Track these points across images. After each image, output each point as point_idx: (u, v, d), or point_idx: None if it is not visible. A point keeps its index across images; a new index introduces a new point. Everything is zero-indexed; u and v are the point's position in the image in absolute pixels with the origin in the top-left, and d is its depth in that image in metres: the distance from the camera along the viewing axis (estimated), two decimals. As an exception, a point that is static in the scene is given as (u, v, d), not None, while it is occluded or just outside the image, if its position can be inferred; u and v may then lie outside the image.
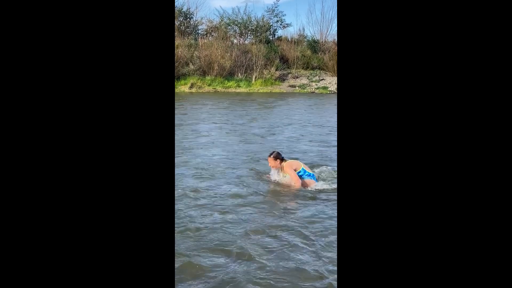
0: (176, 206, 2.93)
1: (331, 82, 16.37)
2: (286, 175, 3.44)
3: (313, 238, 2.51)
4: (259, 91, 15.47)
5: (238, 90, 15.60)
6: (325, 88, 15.88)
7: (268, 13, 18.27)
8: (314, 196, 3.30)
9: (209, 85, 15.69)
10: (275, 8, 18.52)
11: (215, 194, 3.35)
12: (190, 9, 17.95)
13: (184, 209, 2.97)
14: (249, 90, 15.71)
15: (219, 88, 15.59)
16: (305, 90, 15.63)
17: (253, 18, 18.17)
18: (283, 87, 16.13)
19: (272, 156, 3.47)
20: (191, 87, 15.35)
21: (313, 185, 3.41)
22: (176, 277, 1.99)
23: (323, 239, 2.51)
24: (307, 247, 2.40)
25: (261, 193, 3.40)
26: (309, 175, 3.52)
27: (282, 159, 3.47)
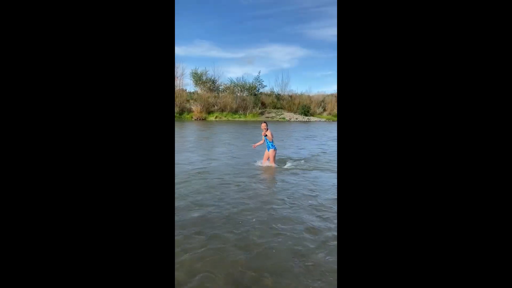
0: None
1: (287, 115, 28.79)
2: (265, 136, 5.82)
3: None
4: (250, 120, 25.58)
5: (240, 119, 25.79)
6: (284, 118, 28.16)
7: (255, 80, 29.49)
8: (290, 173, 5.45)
9: (225, 117, 26.13)
10: (258, 77, 31.50)
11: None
12: (214, 77, 29.74)
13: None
14: (245, 119, 26.01)
15: (230, 118, 26.15)
16: (273, 120, 26.92)
17: (247, 82, 29.14)
18: (262, 118, 26.56)
19: (264, 123, 5.88)
20: (215, 118, 26.02)
21: (274, 153, 5.84)
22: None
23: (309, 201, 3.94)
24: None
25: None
26: (273, 145, 5.82)
27: (267, 129, 5.88)
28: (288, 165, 6.31)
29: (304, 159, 7.35)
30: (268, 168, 6.08)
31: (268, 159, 6.22)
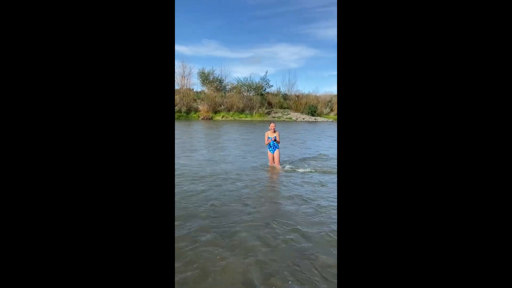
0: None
1: (293, 115, 29.16)
2: (275, 135, 6.11)
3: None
4: (256, 120, 26.88)
5: (246, 119, 26.69)
6: (290, 118, 28.64)
7: (261, 80, 30.20)
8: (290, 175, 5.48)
9: (232, 116, 27.07)
10: (265, 77, 32.12)
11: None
12: (221, 77, 30.31)
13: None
14: (251, 119, 26.85)
15: (236, 118, 27.49)
16: (280, 120, 28.00)
17: (254, 82, 29.72)
18: (269, 118, 27.00)
19: (273, 123, 6.24)
20: (222, 117, 27.40)
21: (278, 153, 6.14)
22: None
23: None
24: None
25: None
26: (277, 146, 6.15)
27: (275, 130, 6.26)
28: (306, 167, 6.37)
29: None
30: (274, 169, 6.17)
31: (273, 160, 6.42)
